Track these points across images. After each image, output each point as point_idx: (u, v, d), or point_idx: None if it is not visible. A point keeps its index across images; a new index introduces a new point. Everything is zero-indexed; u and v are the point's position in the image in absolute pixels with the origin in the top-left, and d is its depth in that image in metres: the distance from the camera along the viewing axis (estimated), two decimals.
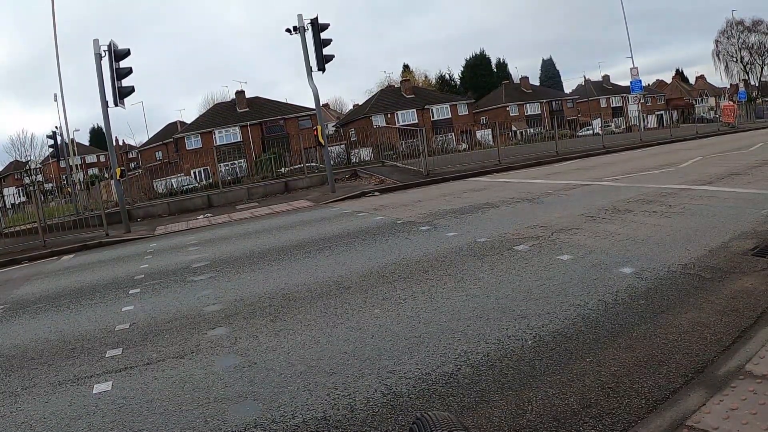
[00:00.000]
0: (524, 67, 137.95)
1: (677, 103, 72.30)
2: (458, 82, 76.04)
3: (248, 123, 51.45)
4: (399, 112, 56.93)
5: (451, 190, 12.84)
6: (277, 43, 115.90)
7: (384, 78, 77.52)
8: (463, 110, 60.49)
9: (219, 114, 53.54)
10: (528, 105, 64.66)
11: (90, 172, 52.83)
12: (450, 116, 58.68)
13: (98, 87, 13.00)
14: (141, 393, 3.45)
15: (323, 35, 15.38)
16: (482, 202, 9.88)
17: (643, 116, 31.28)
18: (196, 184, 24.35)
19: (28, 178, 58.57)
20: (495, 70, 75.88)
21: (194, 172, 33.95)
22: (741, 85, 55.63)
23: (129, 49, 13.27)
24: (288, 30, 15.83)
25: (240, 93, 54.80)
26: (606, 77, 75.52)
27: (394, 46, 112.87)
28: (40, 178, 55.77)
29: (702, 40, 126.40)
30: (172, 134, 56.93)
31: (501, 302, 4.28)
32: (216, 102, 61.72)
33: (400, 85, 63.35)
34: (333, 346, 3.81)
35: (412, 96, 60.00)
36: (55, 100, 41.81)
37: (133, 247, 10.92)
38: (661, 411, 2.55)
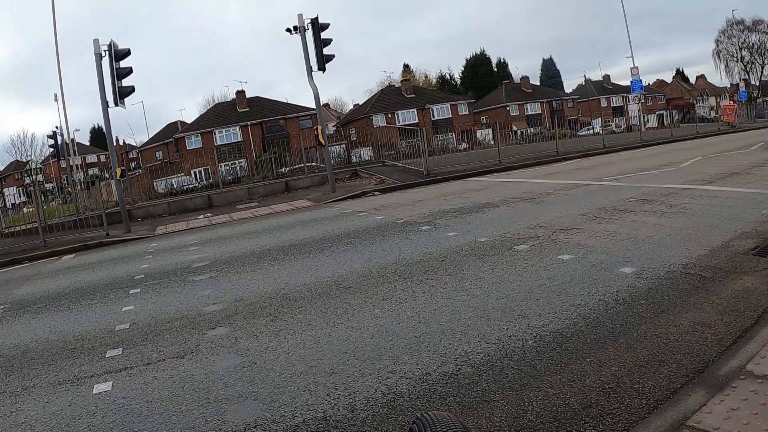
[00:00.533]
0: (524, 67, 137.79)
1: (678, 102, 72.34)
2: (458, 82, 76.07)
3: (248, 123, 51.46)
4: (399, 112, 56.92)
5: (451, 190, 12.84)
6: (277, 42, 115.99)
7: (384, 78, 77.51)
8: (463, 110, 60.46)
9: (219, 114, 53.56)
10: (528, 105, 64.64)
11: (90, 171, 52.85)
12: (450, 116, 58.66)
13: (98, 87, 13.00)
14: (141, 393, 3.44)
15: (323, 35, 15.38)
16: (483, 202, 9.87)
17: (643, 116, 31.31)
18: (197, 184, 24.36)
19: (28, 178, 58.63)
20: (495, 69, 75.92)
21: (194, 172, 33.99)
22: (741, 84, 55.57)
23: (129, 49, 13.27)
24: (288, 30, 15.84)
25: (240, 93, 54.82)
26: (606, 77, 75.52)
27: (394, 46, 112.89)
28: (40, 178, 55.84)
29: (702, 40, 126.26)
30: (172, 134, 56.96)
31: (501, 302, 4.28)
32: (216, 102, 61.77)
33: (400, 84, 63.34)
34: (333, 346, 3.81)
35: (413, 96, 59.98)
36: (56, 99, 41.81)
37: (134, 247, 10.92)
38: (661, 411, 2.54)
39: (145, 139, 67.98)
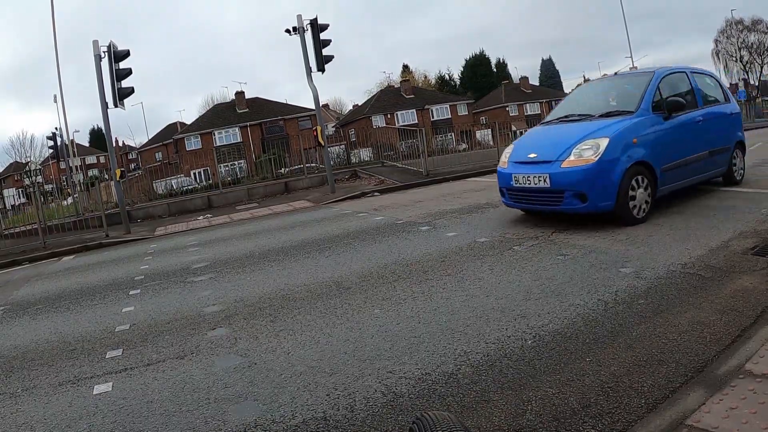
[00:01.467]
0: (524, 67, 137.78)
1: None
2: (458, 82, 76.19)
3: (248, 124, 51.52)
4: (399, 113, 56.99)
5: (451, 190, 12.84)
6: (276, 43, 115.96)
7: (384, 78, 77.71)
8: (462, 110, 60.54)
9: (219, 115, 53.61)
10: (528, 105, 64.72)
11: (90, 173, 52.86)
12: (450, 116, 58.74)
13: (98, 88, 13.01)
14: (141, 394, 3.45)
15: (323, 36, 15.38)
16: (482, 202, 9.87)
17: None
18: (196, 185, 24.34)
19: (28, 179, 58.60)
20: (495, 70, 76.05)
21: (194, 173, 33.95)
22: (741, 84, 55.62)
23: (128, 50, 13.27)
24: (287, 31, 15.83)
25: (240, 93, 54.87)
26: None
27: (394, 46, 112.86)
28: (40, 179, 55.80)
29: (702, 40, 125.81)
30: (171, 135, 57.01)
31: (501, 302, 4.28)
32: (216, 103, 61.80)
33: (399, 85, 63.39)
34: (333, 346, 3.82)
35: (412, 96, 60.04)
36: (55, 101, 41.87)
37: (134, 248, 10.93)
38: (660, 410, 2.55)
39: (145, 140, 68.12)
